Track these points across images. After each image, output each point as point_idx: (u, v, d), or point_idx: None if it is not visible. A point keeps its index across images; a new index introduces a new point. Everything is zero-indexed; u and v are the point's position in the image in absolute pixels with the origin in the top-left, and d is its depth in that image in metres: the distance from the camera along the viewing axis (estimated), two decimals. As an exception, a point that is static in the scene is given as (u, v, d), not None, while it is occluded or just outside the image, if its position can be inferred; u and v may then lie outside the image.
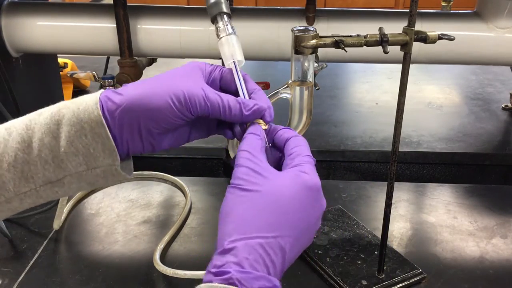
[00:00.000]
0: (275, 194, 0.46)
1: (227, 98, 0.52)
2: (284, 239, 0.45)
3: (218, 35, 0.57)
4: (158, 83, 0.51)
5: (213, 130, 0.57)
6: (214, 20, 0.57)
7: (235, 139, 0.68)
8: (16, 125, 0.50)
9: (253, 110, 0.52)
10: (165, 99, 0.50)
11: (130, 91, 0.50)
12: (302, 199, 0.47)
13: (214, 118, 0.54)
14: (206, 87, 0.51)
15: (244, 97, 0.54)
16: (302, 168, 0.48)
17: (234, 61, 0.55)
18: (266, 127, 0.53)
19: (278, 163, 0.53)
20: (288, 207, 0.46)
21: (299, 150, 0.51)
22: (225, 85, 0.56)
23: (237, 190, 0.46)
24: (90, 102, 0.49)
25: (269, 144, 0.53)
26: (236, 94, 0.54)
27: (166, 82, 0.51)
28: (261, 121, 0.53)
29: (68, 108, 0.49)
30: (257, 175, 0.47)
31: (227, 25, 0.57)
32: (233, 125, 0.55)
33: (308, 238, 0.48)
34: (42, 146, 0.48)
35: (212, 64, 0.56)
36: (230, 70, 0.55)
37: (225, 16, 0.57)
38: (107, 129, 0.48)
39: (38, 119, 0.49)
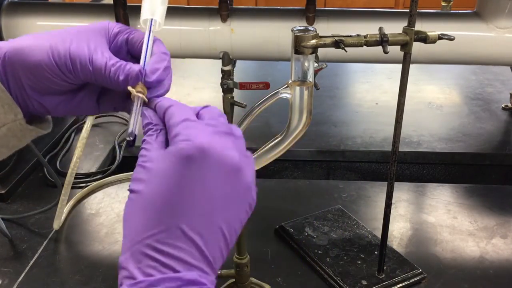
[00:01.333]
0: (154, 183, 0.38)
1: (112, 62, 0.46)
2: (183, 223, 0.37)
3: None
4: (47, 37, 0.47)
5: (118, 103, 0.51)
6: None
7: None
8: None
9: (126, 73, 0.46)
10: (45, 52, 0.45)
11: (15, 41, 0.47)
12: (184, 173, 0.38)
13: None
14: (95, 47, 0.46)
15: (144, 62, 0.48)
16: (179, 136, 0.39)
17: (151, 20, 0.50)
18: (143, 91, 0.46)
19: None
20: (171, 189, 0.38)
21: (172, 117, 0.42)
22: (132, 47, 0.50)
23: (129, 194, 0.40)
24: None
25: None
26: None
27: (56, 36, 0.46)
28: (139, 86, 0.46)
29: None
30: (141, 169, 0.39)
31: None
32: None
33: (235, 207, 0.40)
34: None
35: (122, 25, 0.51)
36: (139, 33, 0.50)
37: None
38: None
39: None
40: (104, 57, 0.46)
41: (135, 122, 0.45)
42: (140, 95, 0.46)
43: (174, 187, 0.38)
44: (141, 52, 0.48)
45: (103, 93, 0.51)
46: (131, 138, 0.44)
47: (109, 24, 0.50)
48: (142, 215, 0.38)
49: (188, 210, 0.38)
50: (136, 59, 0.49)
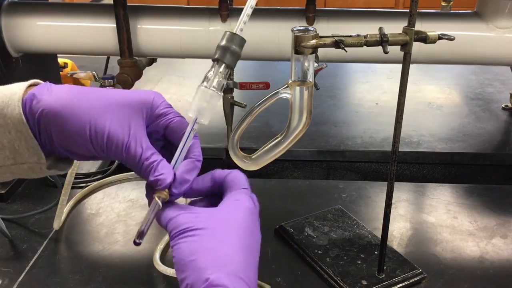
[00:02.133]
0: (220, 226, 0.46)
1: (146, 155, 0.48)
2: (252, 255, 0.46)
3: (204, 79, 0.52)
4: (89, 103, 0.47)
5: None
6: (215, 61, 0.52)
7: (235, 140, 0.67)
8: None
9: (155, 178, 0.49)
10: (83, 126, 0.46)
11: (58, 95, 0.47)
12: (249, 222, 0.48)
13: None
14: (134, 133, 0.48)
15: (176, 161, 0.50)
16: (237, 196, 0.49)
17: (196, 119, 0.51)
18: (166, 198, 0.50)
19: None
20: (240, 231, 0.47)
21: (236, 182, 0.51)
22: (170, 134, 0.52)
23: (187, 233, 0.46)
24: (14, 97, 0.47)
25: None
26: (176, 146, 0.51)
27: (95, 107, 0.47)
28: (163, 192, 0.50)
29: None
30: (197, 216, 0.47)
31: (221, 79, 0.51)
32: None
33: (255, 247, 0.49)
34: None
35: (168, 105, 0.52)
36: (183, 122, 0.52)
37: (222, 67, 0.51)
38: (28, 128, 0.46)
39: None
40: (139, 147, 0.48)
41: (148, 223, 0.49)
42: (159, 202, 0.49)
43: (242, 229, 0.48)
44: (177, 143, 0.51)
45: None
46: (139, 241, 0.48)
47: (154, 99, 0.51)
48: (225, 248, 0.45)
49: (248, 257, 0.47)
50: (171, 145, 0.52)
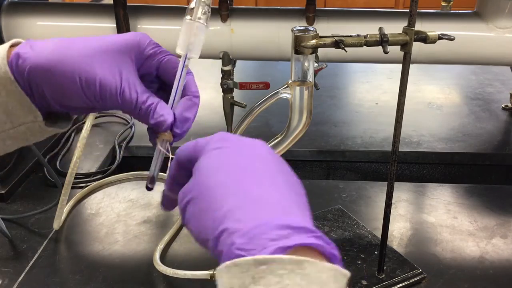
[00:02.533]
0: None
1: (142, 99, 0.47)
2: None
3: (189, 12, 0.50)
4: (76, 54, 0.46)
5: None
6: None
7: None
8: None
9: (157, 121, 0.48)
10: (72, 77, 0.45)
11: (44, 52, 0.46)
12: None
13: None
14: (126, 78, 0.46)
15: (173, 101, 0.49)
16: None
17: (186, 55, 0.50)
18: (169, 139, 0.49)
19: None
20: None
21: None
22: (163, 74, 0.50)
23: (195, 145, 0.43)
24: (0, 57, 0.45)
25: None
26: (171, 85, 0.50)
27: (80, 56, 0.46)
28: (166, 134, 0.49)
29: None
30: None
31: (206, 10, 0.50)
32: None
33: None
34: None
35: (154, 45, 0.50)
36: (174, 60, 0.50)
37: (205, 5, 0.50)
38: (17, 86, 0.45)
39: None
40: (134, 92, 0.46)
41: (156, 168, 0.49)
42: (164, 147, 0.49)
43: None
44: (171, 82, 0.49)
45: None
46: (151, 186, 0.48)
47: (140, 41, 0.49)
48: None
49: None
50: (166, 85, 0.50)
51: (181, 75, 0.49)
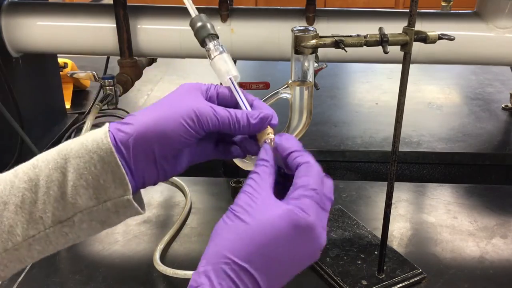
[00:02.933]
0: (262, 226, 0.44)
1: (234, 111, 0.52)
2: (260, 272, 0.44)
3: (209, 56, 0.58)
4: (167, 107, 0.51)
5: (214, 152, 0.58)
6: (203, 43, 0.58)
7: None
8: (23, 166, 0.48)
9: (259, 117, 0.53)
10: (178, 121, 0.50)
11: (140, 119, 0.50)
12: (289, 238, 0.44)
13: (216, 139, 0.57)
14: (211, 104, 0.52)
15: (247, 109, 0.55)
16: (300, 203, 0.45)
17: (230, 77, 0.56)
18: (273, 137, 0.53)
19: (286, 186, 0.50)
20: (271, 242, 0.44)
21: (306, 181, 0.47)
22: (223, 101, 0.55)
23: (231, 215, 0.46)
24: (98, 133, 0.49)
25: (281, 170, 0.53)
26: (235, 108, 0.55)
27: (174, 104, 0.51)
28: (269, 129, 0.54)
29: (76, 141, 0.48)
30: (254, 204, 0.45)
31: (216, 45, 0.57)
32: (242, 141, 0.57)
33: (291, 275, 0.46)
34: (50, 183, 0.46)
35: (205, 84, 0.56)
36: (225, 86, 0.56)
37: (213, 38, 0.58)
38: (116, 156, 0.47)
39: (44, 157, 0.48)
40: (222, 109, 0.52)
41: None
42: (272, 136, 0.54)
43: (276, 242, 0.44)
44: (229, 102, 0.55)
45: (219, 141, 0.58)
46: None
47: (199, 85, 0.56)
48: (239, 243, 0.44)
49: (274, 265, 0.44)
50: (227, 107, 0.55)
51: (238, 93, 0.55)
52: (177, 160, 0.53)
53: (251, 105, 0.55)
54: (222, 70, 0.57)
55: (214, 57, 0.57)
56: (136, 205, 0.50)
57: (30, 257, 0.49)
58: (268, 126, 0.54)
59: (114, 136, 0.48)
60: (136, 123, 0.49)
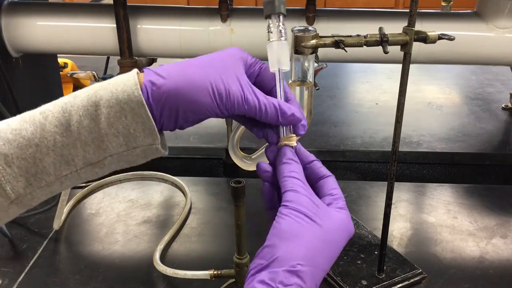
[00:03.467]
0: (334, 232, 0.49)
1: (264, 101, 0.52)
2: (321, 270, 0.48)
3: (268, 36, 0.55)
4: (201, 72, 0.51)
5: (245, 123, 0.58)
6: (267, 18, 0.55)
7: (235, 140, 0.68)
8: (51, 108, 0.49)
9: (288, 119, 0.53)
10: (207, 94, 0.50)
11: (173, 77, 0.50)
12: (344, 243, 0.50)
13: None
14: (244, 85, 0.52)
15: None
16: (347, 214, 0.51)
17: (279, 69, 0.55)
18: (295, 144, 0.54)
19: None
20: (337, 246, 0.50)
21: (339, 193, 0.53)
22: (262, 82, 0.55)
23: (302, 216, 0.48)
24: (128, 83, 0.49)
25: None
26: (270, 94, 0.54)
27: (209, 71, 0.51)
28: (293, 136, 0.54)
29: (106, 89, 0.49)
30: (317, 208, 0.49)
31: (280, 28, 0.55)
32: (265, 126, 0.56)
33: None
34: (82, 129, 0.48)
35: (252, 57, 0.55)
36: (267, 69, 0.55)
37: (280, 17, 0.55)
38: (147, 109, 0.48)
39: (74, 102, 0.49)
40: (254, 96, 0.52)
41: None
42: (294, 143, 0.54)
43: (339, 247, 0.50)
44: (267, 85, 0.55)
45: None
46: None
47: (246, 55, 0.55)
48: (325, 249, 0.48)
49: (322, 264, 0.48)
50: (260, 87, 0.55)
51: (280, 87, 0.54)
52: (197, 122, 0.53)
53: (287, 101, 0.54)
54: (273, 58, 0.55)
55: (272, 41, 0.55)
56: (162, 150, 0.51)
57: (61, 189, 0.51)
58: (293, 135, 0.54)
59: (147, 89, 0.49)
60: (169, 79, 0.50)
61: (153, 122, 0.49)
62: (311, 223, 0.48)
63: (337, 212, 0.50)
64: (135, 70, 0.51)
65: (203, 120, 0.52)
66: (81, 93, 0.49)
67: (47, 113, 0.49)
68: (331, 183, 0.53)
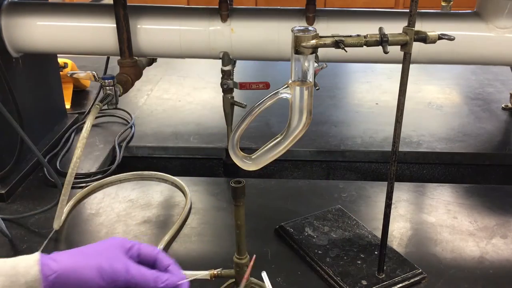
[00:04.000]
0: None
1: (144, 272, 0.63)
2: None
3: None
4: (86, 256, 0.63)
5: None
6: None
7: (235, 140, 0.69)
8: None
9: (165, 283, 0.64)
10: (93, 271, 0.61)
11: (64, 260, 0.61)
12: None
13: None
14: (127, 261, 0.63)
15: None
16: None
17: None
18: None
19: None
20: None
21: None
22: (144, 259, 0.66)
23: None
24: (30, 259, 0.60)
25: None
26: (155, 263, 0.67)
27: (94, 256, 0.63)
28: None
29: (4, 263, 0.60)
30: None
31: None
32: None
33: None
34: None
35: (130, 241, 0.67)
36: (148, 246, 0.67)
37: None
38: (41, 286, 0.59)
39: None
40: (138, 271, 0.64)
41: None
42: None
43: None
44: (149, 261, 0.67)
45: None
46: None
47: (123, 241, 0.66)
48: None
49: None
50: (144, 264, 0.66)
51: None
52: None
53: (166, 270, 0.66)
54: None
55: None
56: None
57: None
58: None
59: (42, 268, 0.60)
60: (60, 262, 0.61)
61: None
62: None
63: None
64: (37, 254, 0.62)
65: None
66: None
67: None
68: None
